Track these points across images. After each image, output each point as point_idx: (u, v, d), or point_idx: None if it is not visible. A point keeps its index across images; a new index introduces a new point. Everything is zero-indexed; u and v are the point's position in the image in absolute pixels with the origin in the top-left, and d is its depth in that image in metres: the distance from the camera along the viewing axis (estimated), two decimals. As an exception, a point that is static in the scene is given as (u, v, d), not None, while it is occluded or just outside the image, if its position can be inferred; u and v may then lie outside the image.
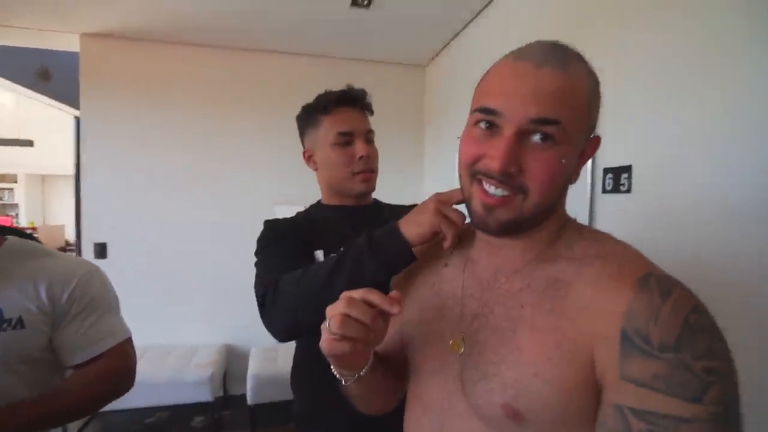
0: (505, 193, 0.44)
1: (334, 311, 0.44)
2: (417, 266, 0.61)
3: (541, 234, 0.48)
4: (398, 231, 0.60)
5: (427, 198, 0.61)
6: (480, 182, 0.45)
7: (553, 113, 0.41)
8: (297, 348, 0.98)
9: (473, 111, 0.47)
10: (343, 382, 0.53)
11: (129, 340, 0.90)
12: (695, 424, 0.35)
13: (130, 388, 0.88)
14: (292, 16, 2.33)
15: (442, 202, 0.58)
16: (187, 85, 2.75)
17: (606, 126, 1.40)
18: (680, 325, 0.37)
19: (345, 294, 0.45)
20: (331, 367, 0.52)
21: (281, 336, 0.73)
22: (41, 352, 0.79)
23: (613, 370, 0.38)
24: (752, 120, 0.95)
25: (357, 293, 0.45)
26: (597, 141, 0.49)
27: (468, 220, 0.57)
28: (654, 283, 0.39)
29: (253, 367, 2.40)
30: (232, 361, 2.81)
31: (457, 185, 0.53)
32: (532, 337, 0.43)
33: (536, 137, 0.42)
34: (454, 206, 0.59)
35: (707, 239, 1.04)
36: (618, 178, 1.34)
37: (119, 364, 0.85)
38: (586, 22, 1.49)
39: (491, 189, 0.44)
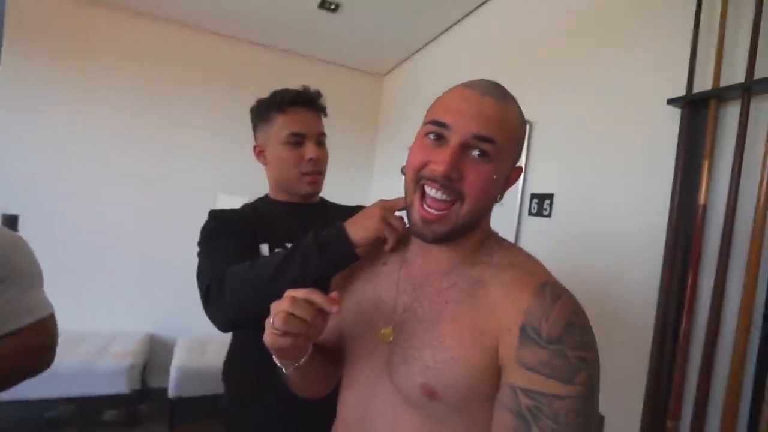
0: (445, 197, 0.51)
1: (278, 309, 0.48)
2: (358, 264, 0.68)
3: (468, 242, 0.57)
4: (345, 233, 0.65)
5: (373, 203, 0.68)
6: (422, 193, 0.53)
7: (490, 133, 0.50)
8: (233, 339, 0.98)
9: (426, 123, 0.54)
10: (284, 371, 0.57)
11: (51, 316, 0.86)
12: (567, 400, 0.44)
13: (48, 367, 0.85)
14: (258, 4, 2.30)
15: (386, 209, 0.64)
16: (131, 55, 2.58)
17: (534, 157, 1.58)
18: (563, 324, 0.47)
19: (289, 293, 0.49)
20: (273, 357, 0.56)
21: (224, 327, 0.75)
22: None
23: (511, 356, 0.47)
24: (649, 166, 1.16)
25: (300, 293, 0.48)
26: (520, 170, 0.59)
27: (407, 226, 0.65)
28: (548, 290, 0.49)
29: (178, 359, 2.30)
30: (155, 352, 2.66)
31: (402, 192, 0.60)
32: (452, 327, 0.51)
33: (475, 152, 0.50)
34: (397, 213, 0.66)
35: (606, 258, 1.23)
36: (542, 204, 1.52)
37: (38, 341, 0.82)
38: (522, 64, 1.67)
39: (432, 192, 0.51)
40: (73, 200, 2.50)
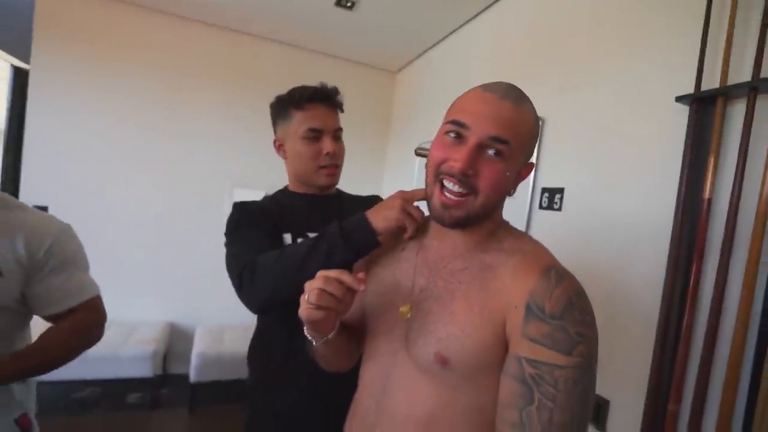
0: (461, 190, 0.57)
1: (312, 286, 0.55)
2: (378, 250, 0.74)
3: (481, 230, 0.62)
4: (367, 222, 0.71)
5: (392, 194, 0.74)
6: (441, 183, 0.59)
7: (505, 135, 0.55)
8: (259, 323, 1.03)
9: (447, 122, 0.59)
10: (314, 344, 0.64)
11: (99, 296, 0.95)
12: (566, 369, 0.50)
13: (98, 340, 0.93)
14: (274, 1, 2.36)
15: (406, 200, 0.70)
16: (151, 52, 2.67)
17: (546, 153, 1.62)
18: (564, 302, 0.52)
19: (321, 273, 0.56)
20: (305, 331, 0.63)
21: (258, 310, 0.81)
22: (13, 302, 0.82)
23: (517, 330, 0.53)
24: (657, 162, 1.19)
25: (332, 273, 0.55)
26: (531, 166, 0.64)
27: (426, 214, 0.71)
28: (553, 272, 0.55)
29: (199, 346, 2.41)
30: (175, 340, 2.78)
31: (412, 186, 0.66)
32: (464, 305, 0.57)
33: (491, 151, 0.56)
34: (416, 203, 0.72)
35: (614, 251, 1.28)
36: (552, 198, 1.56)
37: (92, 318, 0.91)
38: (534, 62, 1.70)
39: (450, 185, 0.57)
40: (97, 193, 2.61)
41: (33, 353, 0.82)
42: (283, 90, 1.02)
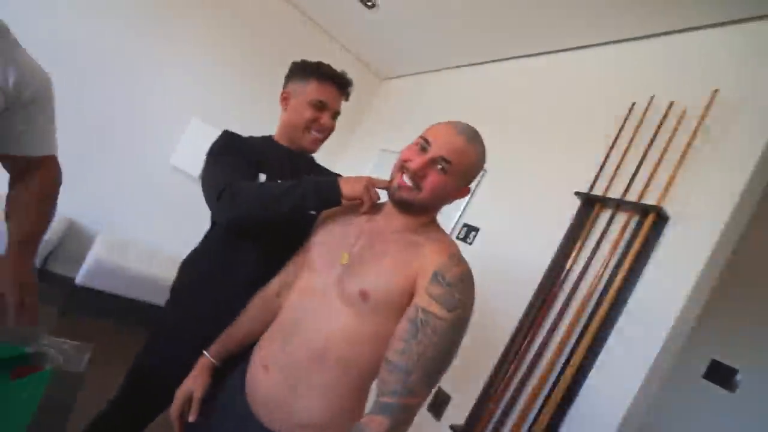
0: (410, 184, 0.79)
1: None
2: (337, 210, 0.95)
3: (418, 220, 0.85)
4: (337, 184, 0.90)
5: (363, 176, 0.95)
6: (402, 173, 0.81)
7: (451, 157, 0.77)
8: (207, 238, 1.13)
9: (420, 137, 0.83)
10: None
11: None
12: (445, 321, 0.71)
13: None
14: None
15: (371, 183, 0.91)
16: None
17: (478, 197, 1.96)
18: (459, 277, 0.74)
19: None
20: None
21: (228, 223, 0.96)
22: None
23: (422, 287, 0.74)
24: (547, 233, 1.57)
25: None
26: (467, 190, 0.85)
27: (380, 201, 0.93)
28: (456, 257, 0.77)
29: (98, 251, 2.31)
30: (69, 239, 2.62)
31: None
32: (391, 261, 0.78)
33: (439, 166, 0.78)
34: (377, 189, 0.93)
35: (497, 284, 1.62)
36: (469, 233, 1.90)
37: (57, 175, 0.95)
38: (493, 120, 2.06)
39: (405, 178, 0.80)
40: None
41: (33, 235, 0.88)
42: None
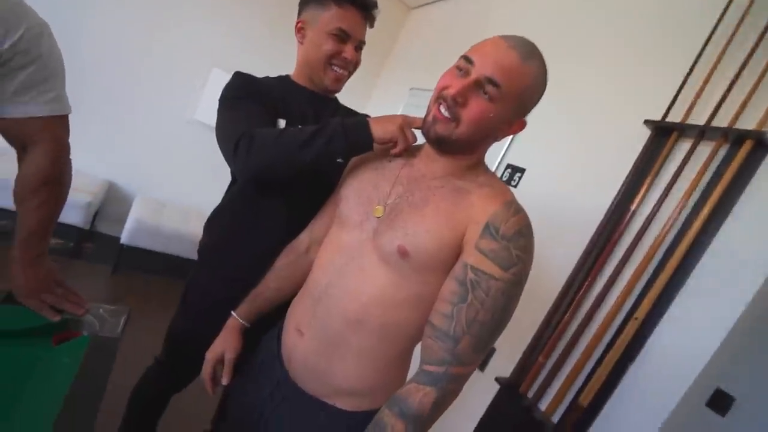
0: (447, 114, 0.64)
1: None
2: (369, 155, 0.81)
3: (462, 162, 0.71)
4: (368, 125, 0.76)
5: (398, 114, 0.80)
6: (439, 105, 0.66)
7: (499, 79, 0.61)
8: (229, 194, 1.05)
9: (462, 56, 0.66)
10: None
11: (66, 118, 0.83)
12: (500, 282, 0.60)
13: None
14: None
15: (406, 122, 0.77)
16: None
17: (522, 133, 1.75)
18: (516, 229, 0.62)
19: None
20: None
21: (249, 177, 0.85)
22: None
23: (472, 241, 0.62)
24: (607, 169, 1.37)
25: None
26: (523, 123, 0.70)
27: (417, 143, 0.79)
28: (512, 206, 0.65)
29: (137, 212, 2.37)
30: (111, 201, 2.70)
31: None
32: (434, 211, 0.66)
33: (483, 91, 0.62)
34: (413, 129, 0.79)
35: (546, 229, 1.47)
36: (513, 175, 1.72)
37: (60, 151, 0.82)
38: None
39: (442, 109, 0.65)
40: (71, 34, 2.31)
41: (43, 232, 0.80)
42: None
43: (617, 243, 1.24)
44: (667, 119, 1.23)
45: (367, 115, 0.88)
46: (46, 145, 0.79)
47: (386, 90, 3.08)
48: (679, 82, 1.22)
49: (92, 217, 2.47)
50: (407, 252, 0.65)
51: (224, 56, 2.71)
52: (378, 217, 0.72)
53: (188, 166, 2.85)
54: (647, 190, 1.22)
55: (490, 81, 0.62)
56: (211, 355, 0.84)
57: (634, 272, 1.16)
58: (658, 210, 1.17)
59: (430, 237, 0.65)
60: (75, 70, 2.44)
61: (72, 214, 2.22)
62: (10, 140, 0.81)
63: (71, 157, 0.87)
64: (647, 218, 1.18)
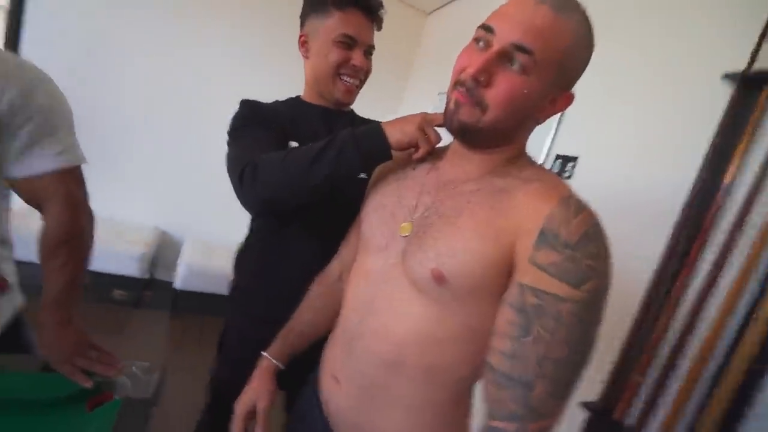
0: (469, 97, 0.52)
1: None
2: (390, 164, 0.70)
3: (499, 156, 0.58)
4: (382, 131, 0.65)
5: (415, 113, 0.69)
6: (459, 91, 0.53)
7: (531, 44, 0.48)
8: (252, 227, 0.99)
9: (480, 26, 0.53)
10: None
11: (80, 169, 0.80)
12: (571, 303, 0.46)
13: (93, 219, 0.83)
14: None
15: (426, 120, 0.65)
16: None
17: (566, 122, 1.55)
18: (582, 232, 0.47)
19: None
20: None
21: (257, 210, 0.78)
22: None
23: (525, 256, 0.48)
24: (682, 139, 1.15)
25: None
26: (570, 97, 0.55)
27: (442, 144, 0.67)
28: (572, 202, 0.50)
29: (187, 255, 2.44)
30: (162, 247, 2.80)
31: None
32: (470, 221, 0.52)
33: (513, 63, 0.49)
34: (435, 128, 0.67)
35: (617, 225, 1.26)
36: (565, 165, 1.52)
37: (74, 211, 0.78)
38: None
39: (463, 91, 0.52)
40: (99, 81, 2.45)
41: (69, 291, 0.77)
42: (297, 10, 0.94)
43: (711, 225, 1.01)
44: (753, 68, 1.00)
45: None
46: (59, 202, 0.76)
47: (415, 98, 2.98)
48: (764, 21, 0.99)
49: (148, 264, 2.58)
50: (443, 277, 0.52)
51: (258, 92, 2.75)
52: (405, 236, 0.59)
53: (231, 205, 2.90)
54: (741, 158, 0.99)
55: (519, 48, 0.48)
56: (241, 408, 0.71)
57: (746, 257, 0.92)
58: (764, 177, 0.94)
59: (469, 255, 0.51)
60: (117, 126, 2.59)
61: (130, 265, 2.32)
62: (27, 200, 0.78)
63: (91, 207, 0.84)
64: (751, 190, 0.95)
